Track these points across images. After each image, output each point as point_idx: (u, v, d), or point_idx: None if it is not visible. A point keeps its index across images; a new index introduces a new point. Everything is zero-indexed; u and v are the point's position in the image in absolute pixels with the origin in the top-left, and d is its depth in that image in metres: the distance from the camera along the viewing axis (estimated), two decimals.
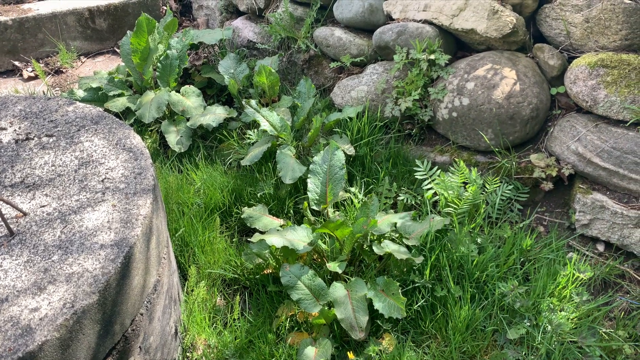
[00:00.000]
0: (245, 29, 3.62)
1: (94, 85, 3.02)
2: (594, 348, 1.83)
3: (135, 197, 1.60)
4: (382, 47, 2.87)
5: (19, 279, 1.31)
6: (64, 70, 3.72)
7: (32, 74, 3.62)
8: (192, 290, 2.09)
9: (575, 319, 1.93)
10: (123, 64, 3.42)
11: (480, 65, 2.55)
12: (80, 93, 3.02)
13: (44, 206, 1.56)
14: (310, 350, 1.80)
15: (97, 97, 3.02)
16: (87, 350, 1.30)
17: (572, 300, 1.99)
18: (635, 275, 2.12)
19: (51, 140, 1.86)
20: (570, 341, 1.87)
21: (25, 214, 1.53)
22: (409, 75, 2.70)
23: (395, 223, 2.17)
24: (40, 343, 1.16)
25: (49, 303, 1.25)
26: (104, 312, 1.33)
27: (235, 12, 3.96)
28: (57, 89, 3.51)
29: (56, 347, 1.20)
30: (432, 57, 2.61)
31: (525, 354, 1.84)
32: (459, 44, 2.85)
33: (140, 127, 2.99)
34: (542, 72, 2.57)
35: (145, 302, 1.56)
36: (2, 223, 1.47)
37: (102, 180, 1.67)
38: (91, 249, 1.40)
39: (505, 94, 2.43)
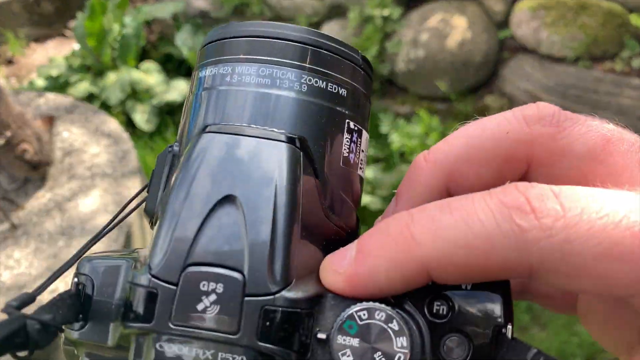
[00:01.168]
0: None
1: (54, 73, 3.00)
2: None
3: (124, 180, 1.69)
4: (336, 6, 2.95)
5: (32, 266, 1.41)
6: (15, 61, 3.64)
7: None
8: None
9: None
10: (77, 47, 3.39)
11: (431, 16, 2.68)
12: (41, 82, 3.00)
13: (38, 198, 1.64)
14: None
15: (59, 84, 3.01)
16: None
17: None
18: None
19: None
20: None
21: (21, 207, 1.60)
22: (364, 32, 2.80)
23: (368, 177, 2.33)
24: None
25: (66, 284, 1.36)
26: None
27: None
28: (14, 79, 3.46)
29: None
30: (386, 12, 2.71)
31: None
32: None
33: (105, 110, 3.01)
34: (489, 18, 2.71)
35: None
36: (3, 218, 1.55)
37: (89, 167, 1.75)
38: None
39: (457, 43, 2.58)
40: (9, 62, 3.63)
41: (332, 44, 0.25)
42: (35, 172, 1.64)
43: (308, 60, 0.25)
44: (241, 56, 0.25)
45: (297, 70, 0.24)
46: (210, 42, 0.27)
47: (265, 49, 0.25)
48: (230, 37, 0.26)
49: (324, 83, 0.25)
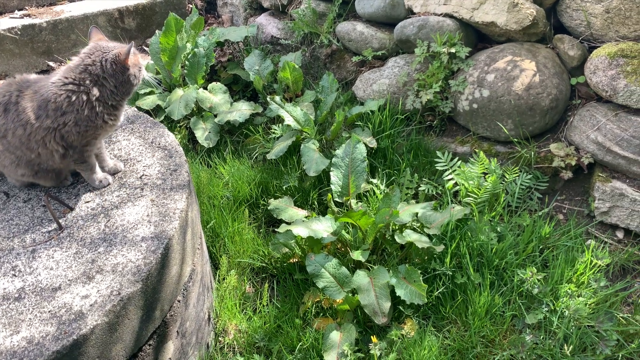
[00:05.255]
0: (269, 25, 3.71)
1: None
2: (610, 332, 1.89)
3: (172, 192, 1.72)
4: (404, 41, 2.93)
5: (70, 269, 1.44)
6: None
7: None
8: (224, 279, 2.21)
9: (593, 304, 1.99)
10: (152, 62, 3.56)
11: (500, 58, 2.59)
12: None
13: (88, 202, 1.69)
14: (335, 335, 1.90)
15: None
16: (131, 334, 1.42)
17: (590, 286, 2.04)
18: None
19: None
20: (588, 325, 1.93)
21: (71, 209, 1.66)
22: (430, 68, 2.76)
23: (417, 213, 2.25)
24: (91, 327, 1.29)
25: (98, 291, 1.38)
26: (146, 299, 1.45)
27: (259, 9, 4.05)
28: None
29: (105, 331, 1.33)
30: (453, 50, 2.66)
31: (543, 337, 1.91)
32: (479, 36, 2.89)
33: (170, 124, 3.12)
34: (562, 62, 2.59)
35: (182, 290, 1.68)
36: (52, 218, 1.61)
37: (141, 177, 1.80)
38: (133, 241, 1.53)
39: (524, 86, 2.47)
40: None
41: None
42: None
43: None
44: None
45: None
46: None
47: None
48: None
49: None
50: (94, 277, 1.41)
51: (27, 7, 4.03)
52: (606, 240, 2.27)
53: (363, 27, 3.15)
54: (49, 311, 1.32)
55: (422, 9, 2.90)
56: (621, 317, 1.95)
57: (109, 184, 1.76)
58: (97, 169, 1.74)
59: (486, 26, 2.67)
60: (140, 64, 1.71)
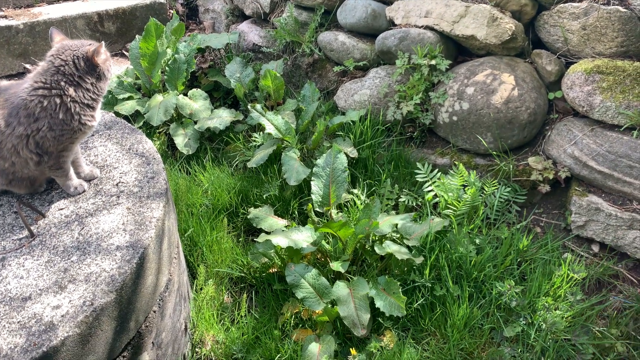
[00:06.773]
0: (251, 32, 3.70)
1: None
2: (587, 346, 1.91)
3: (149, 201, 1.68)
4: (385, 52, 2.94)
5: (41, 278, 1.40)
6: None
7: None
8: (201, 289, 2.17)
9: (570, 317, 2.01)
10: (131, 66, 3.51)
11: (479, 71, 2.62)
12: None
13: (61, 209, 1.65)
14: (314, 347, 1.88)
15: (107, 100, 3.10)
16: (104, 345, 1.38)
17: (567, 299, 2.06)
18: (629, 275, 2.19)
19: None
20: (564, 339, 1.94)
21: (44, 216, 1.61)
22: (410, 79, 2.77)
23: (397, 224, 2.25)
24: (62, 338, 1.24)
25: (70, 301, 1.33)
26: (120, 310, 1.41)
27: (241, 16, 4.04)
28: None
29: (77, 342, 1.28)
30: (433, 62, 2.68)
31: (520, 351, 1.92)
32: (459, 49, 2.92)
33: (149, 130, 3.08)
34: (540, 77, 2.63)
35: (158, 300, 1.64)
36: (24, 225, 1.56)
37: (117, 184, 1.76)
38: (108, 250, 1.49)
39: (503, 99, 2.50)
40: None
41: None
42: None
43: None
44: None
45: None
46: None
47: None
48: None
49: None
50: (66, 287, 1.37)
51: (3, 9, 3.95)
52: (582, 253, 2.30)
53: (345, 37, 3.16)
54: (18, 322, 1.27)
55: (404, 20, 2.92)
56: (597, 330, 1.98)
57: (84, 191, 1.72)
58: (73, 175, 1.70)
59: (466, 39, 2.70)
60: (109, 57, 1.68)
